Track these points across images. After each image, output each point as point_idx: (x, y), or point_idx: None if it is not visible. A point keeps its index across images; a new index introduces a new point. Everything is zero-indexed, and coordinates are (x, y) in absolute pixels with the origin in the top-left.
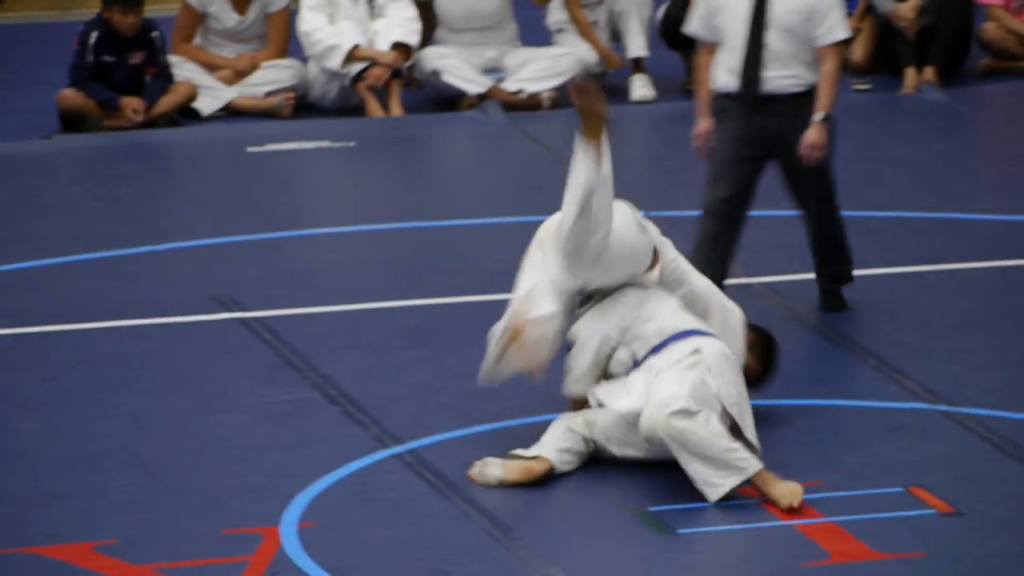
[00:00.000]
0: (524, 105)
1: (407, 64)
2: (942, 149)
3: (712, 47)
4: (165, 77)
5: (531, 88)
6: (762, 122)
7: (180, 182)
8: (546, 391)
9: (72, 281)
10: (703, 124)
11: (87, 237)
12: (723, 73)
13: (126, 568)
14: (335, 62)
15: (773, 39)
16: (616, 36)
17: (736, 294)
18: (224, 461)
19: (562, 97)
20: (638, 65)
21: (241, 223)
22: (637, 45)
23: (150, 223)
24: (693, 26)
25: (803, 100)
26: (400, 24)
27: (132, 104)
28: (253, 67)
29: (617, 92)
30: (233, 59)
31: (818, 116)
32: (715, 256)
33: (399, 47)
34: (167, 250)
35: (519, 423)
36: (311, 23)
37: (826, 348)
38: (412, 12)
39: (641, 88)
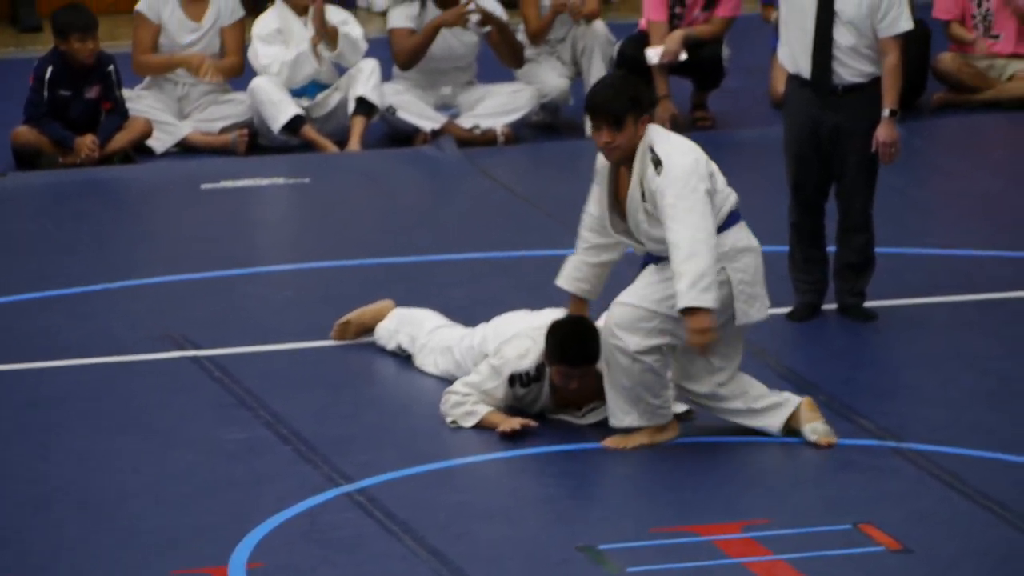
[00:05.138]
0: (479, 141)
1: (372, 121)
2: (896, 183)
3: None
4: (120, 113)
5: (486, 124)
6: (826, 115)
7: (134, 219)
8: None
9: (24, 320)
10: None
11: (40, 275)
12: (792, 57)
13: None
14: (274, 126)
15: (839, 31)
16: (580, 73)
17: None
18: (175, 501)
19: (516, 133)
20: None
21: (195, 261)
22: None
23: (104, 261)
24: None
25: (865, 92)
26: (368, 78)
27: (87, 142)
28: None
29: (575, 128)
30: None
31: (886, 112)
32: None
33: (363, 104)
34: (120, 288)
35: (469, 461)
36: (267, 55)
37: (777, 384)
38: (374, 63)
39: None
